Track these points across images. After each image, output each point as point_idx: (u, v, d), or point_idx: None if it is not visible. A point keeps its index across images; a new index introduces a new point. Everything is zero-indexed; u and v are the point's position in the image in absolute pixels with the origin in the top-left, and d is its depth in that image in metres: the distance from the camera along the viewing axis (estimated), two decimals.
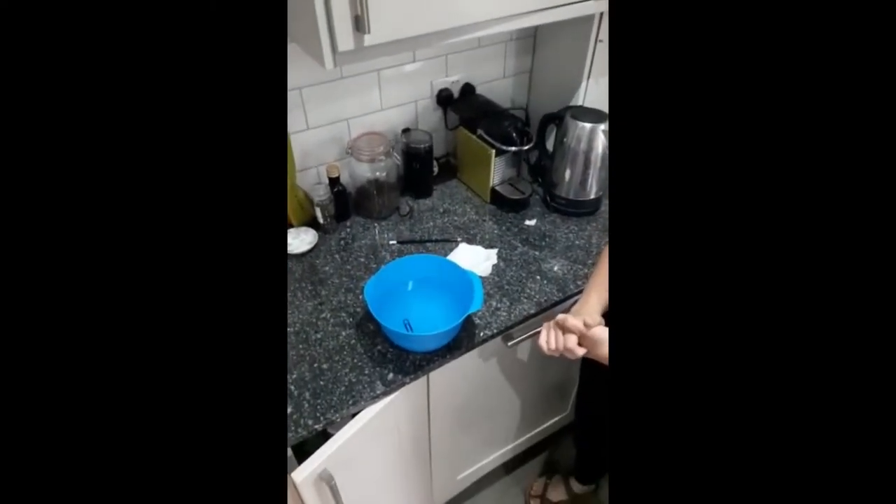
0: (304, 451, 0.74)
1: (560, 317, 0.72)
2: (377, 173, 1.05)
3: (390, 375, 0.80)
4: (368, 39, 0.67)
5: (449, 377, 0.90)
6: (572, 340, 0.70)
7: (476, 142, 1.09)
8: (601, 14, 1.02)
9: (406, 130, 1.14)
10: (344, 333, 0.86)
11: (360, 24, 0.65)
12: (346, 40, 0.66)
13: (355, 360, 0.82)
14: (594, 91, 1.14)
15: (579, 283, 0.96)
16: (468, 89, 1.20)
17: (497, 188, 1.13)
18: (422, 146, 1.09)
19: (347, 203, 1.10)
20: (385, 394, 0.78)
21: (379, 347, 0.83)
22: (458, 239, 1.05)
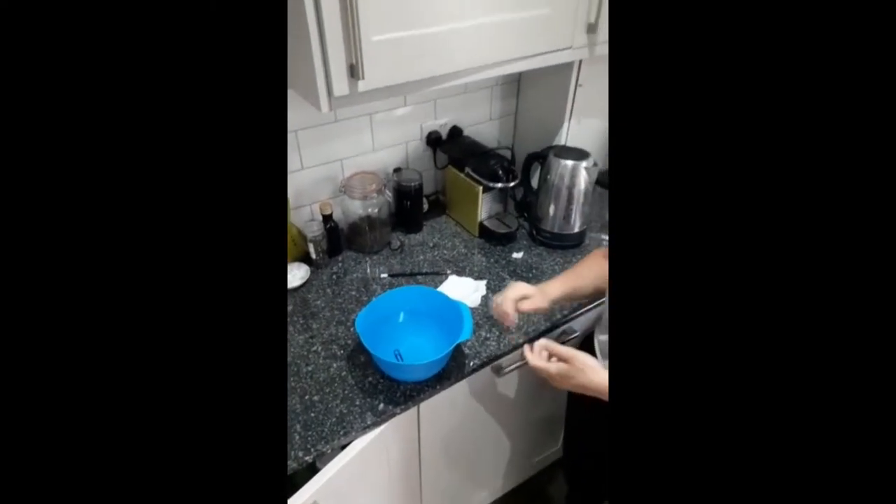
0: (292, 483, 0.73)
1: (539, 345, 0.76)
2: (369, 210, 1.09)
3: (381, 406, 0.80)
4: (362, 85, 0.72)
5: (439, 408, 0.90)
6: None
7: (464, 180, 1.14)
8: (579, 62, 1.10)
9: (397, 170, 1.19)
10: (335, 365, 0.87)
11: (354, 72, 0.70)
12: (341, 86, 0.71)
13: (346, 392, 0.82)
14: (575, 131, 1.21)
15: (565, 312, 0.98)
16: (456, 131, 1.26)
17: (485, 223, 1.18)
18: (412, 184, 1.14)
19: (340, 239, 1.13)
20: (375, 424, 0.79)
21: (370, 378, 0.85)
22: (448, 271, 1.08)
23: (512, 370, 0.95)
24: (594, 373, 0.70)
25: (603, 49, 0.99)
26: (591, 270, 0.86)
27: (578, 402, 0.91)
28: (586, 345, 0.87)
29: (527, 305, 0.82)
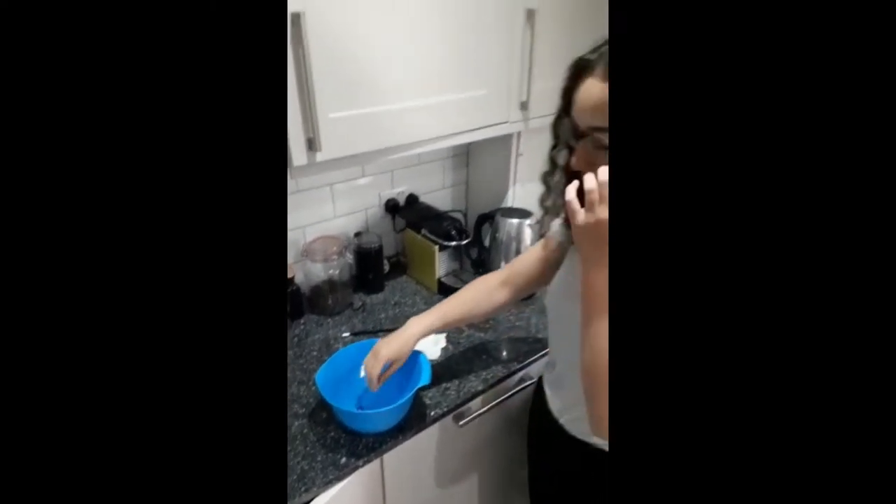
0: None
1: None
2: (331, 272, 1.15)
3: (343, 460, 0.81)
4: (320, 156, 0.81)
5: (403, 459, 0.90)
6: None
7: (421, 240, 1.23)
8: (518, 133, 1.24)
9: (358, 234, 1.27)
10: (296, 424, 0.87)
11: (312, 145, 0.79)
12: (300, 157, 0.80)
13: (308, 448, 0.83)
14: (520, 194, 1.34)
15: (521, 359, 1.03)
16: (412, 198, 1.36)
17: (443, 279, 1.25)
18: (372, 245, 1.21)
19: (301, 302, 1.17)
20: (338, 479, 0.79)
21: (332, 434, 0.85)
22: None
23: (473, 419, 0.97)
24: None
25: (536, 122, 1.14)
26: (458, 299, 0.90)
27: (537, 447, 0.93)
28: (539, 384, 0.91)
29: (392, 372, 0.85)
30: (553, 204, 0.66)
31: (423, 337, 0.87)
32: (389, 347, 0.84)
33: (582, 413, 0.58)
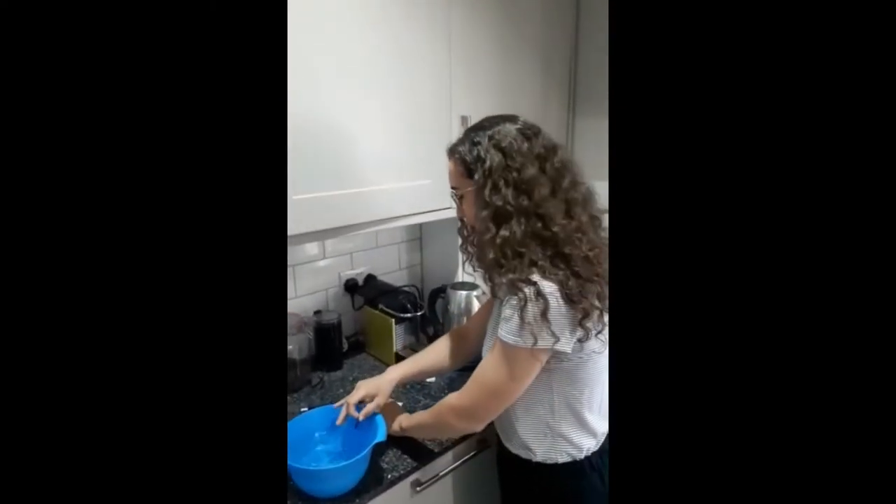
0: None
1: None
2: (290, 347, 1.19)
3: None
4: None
5: None
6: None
7: (378, 315, 1.30)
8: None
9: (318, 312, 1.33)
10: None
11: None
12: None
13: None
14: (468, 271, 1.46)
15: None
16: (371, 278, 1.46)
17: (400, 353, 1.30)
18: (332, 322, 1.27)
19: None
20: None
21: (288, 502, 0.84)
22: (367, 401, 1.15)
23: (431, 484, 0.98)
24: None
25: None
26: (433, 350, 1.04)
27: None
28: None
29: (371, 406, 0.92)
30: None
31: (400, 382, 0.98)
32: (368, 384, 0.96)
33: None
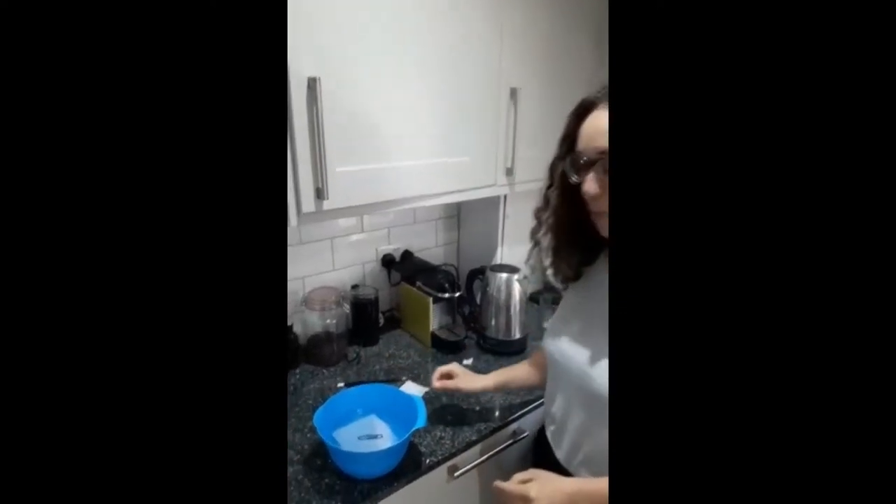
0: None
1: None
2: (328, 321, 1.17)
3: None
4: (327, 204, 0.89)
5: None
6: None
7: (416, 292, 1.27)
8: (504, 196, 1.34)
9: (355, 286, 1.31)
10: (291, 470, 0.86)
11: (320, 194, 0.87)
12: (309, 204, 0.87)
13: (302, 495, 0.81)
14: (507, 253, 1.41)
15: (514, 411, 1.04)
16: (407, 254, 1.43)
17: (436, 332, 1.27)
18: (369, 297, 1.25)
19: (297, 352, 1.18)
20: None
21: (326, 480, 0.84)
22: (404, 378, 1.14)
23: (468, 471, 0.96)
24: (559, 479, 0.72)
25: (521, 187, 1.24)
26: (523, 368, 0.99)
27: None
28: (540, 438, 0.91)
29: (450, 383, 0.95)
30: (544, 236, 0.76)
31: (484, 389, 0.97)
32: (466, 372, 0.98)
33: (586, 454, 0.62)
